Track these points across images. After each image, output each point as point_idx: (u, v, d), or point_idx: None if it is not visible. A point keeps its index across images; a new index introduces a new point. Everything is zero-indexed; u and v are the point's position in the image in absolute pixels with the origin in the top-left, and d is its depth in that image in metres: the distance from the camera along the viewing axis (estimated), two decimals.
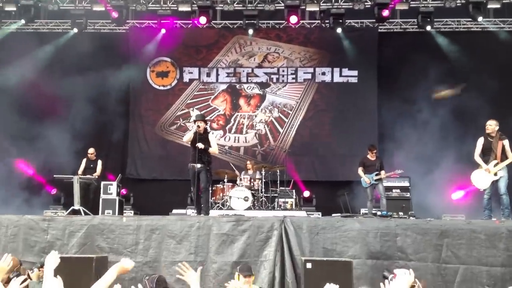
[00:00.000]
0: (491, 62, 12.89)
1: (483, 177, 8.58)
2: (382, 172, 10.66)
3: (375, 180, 10.63)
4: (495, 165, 8.48)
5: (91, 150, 11.53)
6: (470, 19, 13.11)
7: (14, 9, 13.03)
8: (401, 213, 10.43)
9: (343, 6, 13.06)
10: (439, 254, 6.92)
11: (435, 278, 6.85)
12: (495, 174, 8.48)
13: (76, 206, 10.26)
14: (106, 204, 10.91)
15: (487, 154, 8.64)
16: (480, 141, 8.75)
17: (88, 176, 10.94)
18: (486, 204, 8.64)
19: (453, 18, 13.62)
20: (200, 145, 8.72)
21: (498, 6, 12.50)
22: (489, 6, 12.50)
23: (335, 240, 7.17)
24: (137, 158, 14.15)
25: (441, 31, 13.60)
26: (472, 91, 12.72)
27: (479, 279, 6.77)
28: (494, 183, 8.56)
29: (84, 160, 11.47)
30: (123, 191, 12.21)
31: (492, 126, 8.64)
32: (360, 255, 7.03)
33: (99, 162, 11.52)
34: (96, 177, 11.12)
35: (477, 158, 8.73)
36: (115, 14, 13.05)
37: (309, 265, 6.35)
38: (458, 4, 12.56)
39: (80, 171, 11.23)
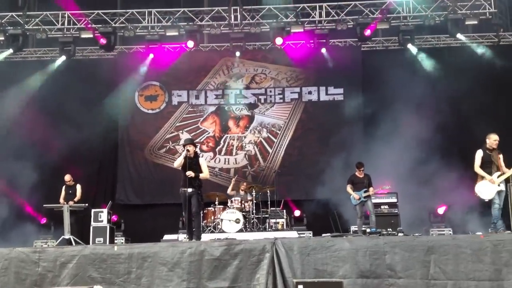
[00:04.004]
0: (471, 76, 13.18)
1: (488, 188, 8.51)
2: (371, 189, 10.80)
3: (364, 197, 10.77)
4: (499, 176, 8.49)
5: (67, 177, 11.57)
6: (449, 36, 13.45)
7: (2, 38, 13.11)
8: (389, 229, 10.56)
9: (326, 27, 13.32)
10: (427, 271, 6.99)
11: None
12: (498, 185, 8.48)
13: (67, 235, 10.26)
14: (96, 232, 10.90)
15: (487, 166, 8.58)
16: (480, 154, 8.64)
17: (78, 204, 10.98)
18: (497, 215, 8.52)
19: (433, 35, 13.97)
20: (190, 173, 8.74)
21: (475, 22, 12.81)
22: (467, 23, 12.81)
23: (325, 261, 7.20)
24: (127, 183, 14.17)
25: (422, 48, 13.91)
26: (453, 105, 13.01)
27: None
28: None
29: (63, 188, 11.54)
30: (114, 217, 12.21)
31: (496, 140, 8.61)
32: (350, 274, 7.07)
33: (78, 187, 11.56)
34: (86, 205, 11.17)
35: (479, 169, 8.62)
36: (103, 41, 13.20)
37: (300, 287, 6.43)
38: (437, 22, 12.87)
39: (61, 199, 11.31)
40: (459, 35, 13.15)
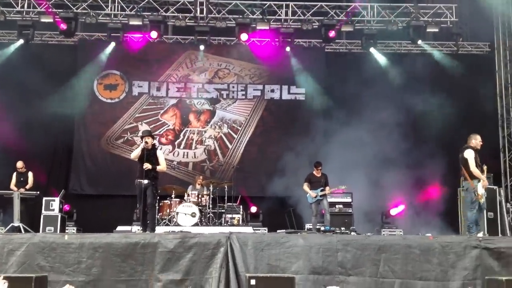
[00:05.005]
0: (430, 82, 13.55)
1: (483, 190, 8.33)
2: (327, 188, 10.95)
3: (320, 196, 10.90)
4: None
5: (19, 164, 11.27)
6: (410, 42, 13.79)
7: None
8: (343, 228, 10.75)
9: (292, 26, 13.45)
10: (376, 269, 7.13)
11: None
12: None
13: (16, 223, 9.98)
14: (47, 220, 10.64)
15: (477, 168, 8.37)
16: (473, 154, 8.35)
17: (30, 192, 10.70)
18: (474, 220, 8.35)
19: (395, 41, 14.28)
20: (147, 166, 8.65)
21: (436, 30, 13.20)
22: (428, 30, 13.18)
23: (279, 256, 7.25)
24: (81, 172, 13.88)
25: (384, 52, 14.20)
26: (412, 109, 13.36)
27: None
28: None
29: (14, 174, 11.23)
30: (66, 207, 11.90)
31: (481, 141, 8.44)
32: (302, 270, 7.14)
33: (30, 174, 11.27)
34: (37, 193, 10.90)
35: (477, 170, 8.28)
36: (63, 26, 12.89)
37: (253, 282, 6.47)
38: (399, 27, 13.19)
39: (12, 185, 11.04)
40: (420, 42, 13.52)
